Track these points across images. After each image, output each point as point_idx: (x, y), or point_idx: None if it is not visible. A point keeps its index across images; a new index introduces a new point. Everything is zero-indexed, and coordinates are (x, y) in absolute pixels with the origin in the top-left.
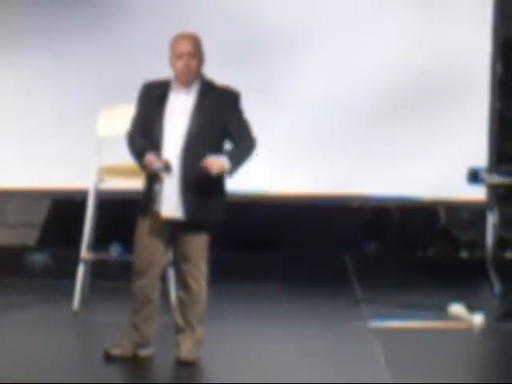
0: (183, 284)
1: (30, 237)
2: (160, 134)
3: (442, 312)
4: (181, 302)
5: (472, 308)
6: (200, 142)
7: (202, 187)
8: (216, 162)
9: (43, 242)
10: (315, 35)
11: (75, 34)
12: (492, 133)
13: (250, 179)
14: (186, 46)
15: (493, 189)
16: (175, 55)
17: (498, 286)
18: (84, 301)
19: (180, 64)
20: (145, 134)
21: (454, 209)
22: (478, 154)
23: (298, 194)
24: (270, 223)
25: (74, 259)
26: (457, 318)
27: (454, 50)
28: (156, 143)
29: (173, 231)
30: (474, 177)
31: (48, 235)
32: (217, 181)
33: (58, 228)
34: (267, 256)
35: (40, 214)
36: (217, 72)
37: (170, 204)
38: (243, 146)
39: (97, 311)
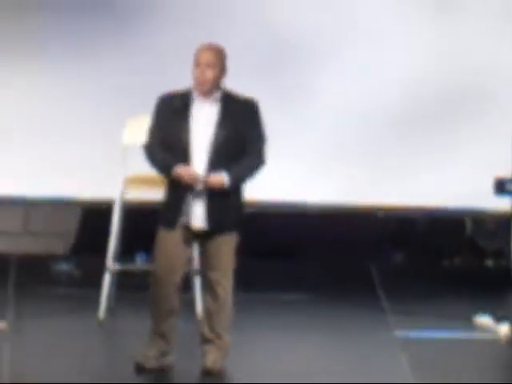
0: (211, 293)
1: (56, 245)
2: (187, 145)
3: (468, 322)
4: (208, 312)
5: (498, 318)
6: (225, 152)
7: (224, 197)
8: (215, 180)
9: (69, 251)
10: (340, 45)
11: (97, 42)
12: None
13: (274, 188)
14: (204, 56)
15: None
16: (194, 64)
17: None
18: (110, 310)
19: (196, 72)
20: (167, 146)
21: (480, 218)
22: (505, 164)
23: (324, 204)
24: (295, 233)
25: (100, 268)
26: (483, 329)
27: (478, 59)
28: (183, 154)
29: (200, 241)
30: (500, 187)
31: (74, 244)
32: (236, 190)
33: (84, 237)
34: (293, 266)
35: (65, 223)
36: (241, 79)
37: (198, 215)
38: (248, 162)
39: (122, 320)
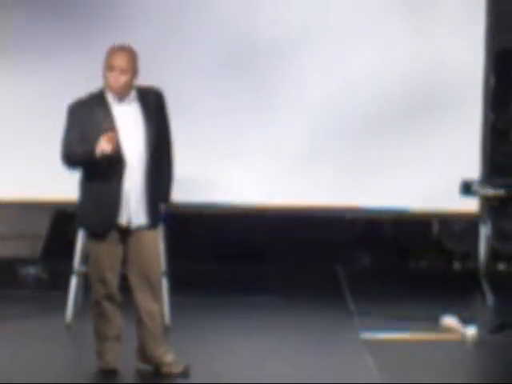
0: (148, 289)
1: (22, 248)
2: (119, 146)
3: (434, 324)
4: (150, 311)
5: (464, 320)
6: (155, 146)
7: (155, 191)
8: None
9: (36, 254)
10: (312, 42)
11: (81, 41)
12: (485, 145)
13: (242, 190)
14: (118, 61)
15: (486, 201)
16: (107, 66)
17: (490, 298)
18: (77, 313)
19: (110, 77)
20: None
21: (446, 220)
22: (471, 165)
23: (291, 206)
24: (263, 235)
25: (67, 271)
26: (449, 330)
27: (446, 61)
28: (116, 155)
29: (127, 237)
30: (466, 189)
31: (41, 247)
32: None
33: (51, 240)
34: (260, 267)
35: (32, 226)
36: (213, 76)
37: (139, 211)
38: (171, 173)
39: (89, 323)
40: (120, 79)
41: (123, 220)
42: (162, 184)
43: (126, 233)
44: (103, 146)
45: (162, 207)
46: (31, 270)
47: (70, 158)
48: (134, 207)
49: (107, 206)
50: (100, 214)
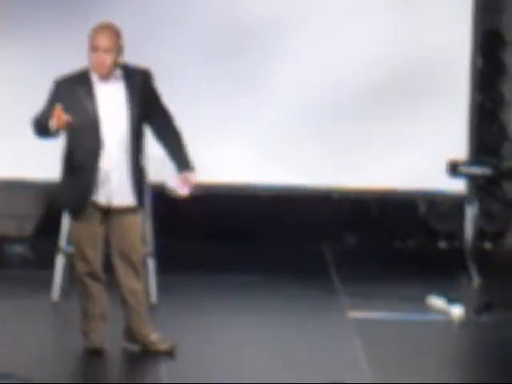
0: (132, 271)
1: (9, 227)
2: (99, 127)
3: (420, 303)
4: (133, 288)
5: (451, 299)
6: (138, 125)
7: (139, 171)
8: (193, 178)
9: (23, 233)
10: (297, 28)
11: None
12: (472, 125)
13: (230, 170)
14: (101, 40)
15: (472, 180)
16: (91, 47)
17: (476, 278)
18: (63, 292)
19: (94, 58)
20: (72, 129)
21: (433, 200)
22: (458, 145)
23: (278, 186)
24: (249, 214)
25: (54, 250)
26: (435, 310)
27: (434, 41)
28: (95, 137)
29: (109, 217)
30: (453, 169)
31: (28, 226)
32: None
33: (38, 219)
34: (247, 247)
35: (19, 205)
36: (200, 62)
37: (121, 191)
38: (182, 142)
39: (76, 302)
40: (105, 60)
41: (103, 199)
42: (182, 155)
43: (107, 212)
44: (55, 121)
45: (148, 187)
46: (18, 249)
47: (33, 125)
48: (115, 186)
49: (81, 184)
50: (73, 191)
